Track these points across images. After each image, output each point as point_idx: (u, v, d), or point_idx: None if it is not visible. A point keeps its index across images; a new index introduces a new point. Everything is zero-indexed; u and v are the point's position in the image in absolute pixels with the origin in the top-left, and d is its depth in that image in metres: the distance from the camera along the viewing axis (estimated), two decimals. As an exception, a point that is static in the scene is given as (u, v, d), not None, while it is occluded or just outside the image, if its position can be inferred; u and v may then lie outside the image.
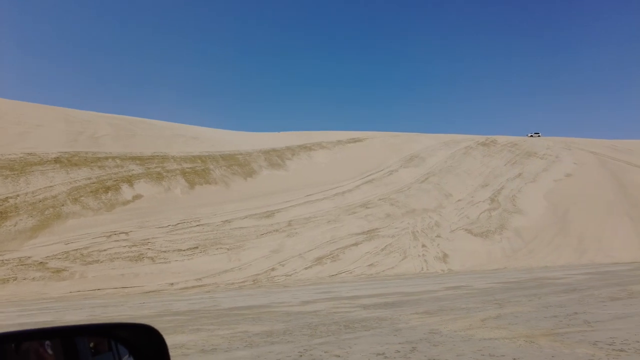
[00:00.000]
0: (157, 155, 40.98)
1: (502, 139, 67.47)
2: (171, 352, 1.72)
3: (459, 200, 44.45)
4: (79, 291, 22.50)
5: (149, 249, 27.73)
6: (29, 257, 24.67)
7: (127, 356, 1.64)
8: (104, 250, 26.65)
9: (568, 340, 8.11)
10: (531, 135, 78.95)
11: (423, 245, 34.21)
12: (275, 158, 49.04)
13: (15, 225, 27.18)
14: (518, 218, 41.35)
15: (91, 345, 1.63)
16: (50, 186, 31.87)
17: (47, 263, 24.43)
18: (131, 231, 29.29)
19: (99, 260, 25.66)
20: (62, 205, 30.54)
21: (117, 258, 26.14)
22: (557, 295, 15.05)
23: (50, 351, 1.77)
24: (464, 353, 7.37)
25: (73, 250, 26.06)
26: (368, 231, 35.46)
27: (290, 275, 27.47)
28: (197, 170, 40.99)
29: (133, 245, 27.71)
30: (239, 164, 44.96)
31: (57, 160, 34.96)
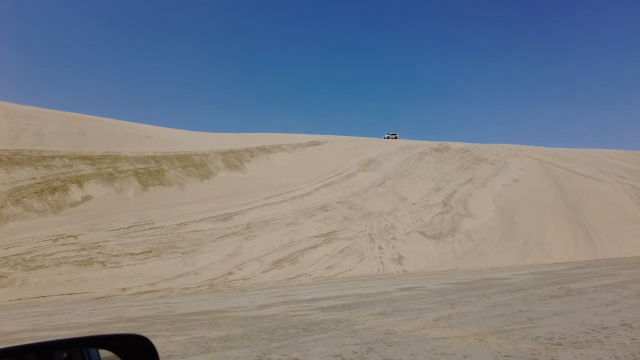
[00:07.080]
0: (109, 155, 39.29)
1: (454, 145, 70.19)
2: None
3: (413, 203, 45.80)
4: (19, 299, 21.17)
5: (99, 252, 26.53)
6: (-37, 263, 22.92)
7: None
8: (50, 254, 25.21)
9: (513, 337, 8.65)
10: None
11: (379, 248, 34.96)
12: (233, 159, 48.39)
13: (-53, 229, 25.17)
14: (469, 221, 43.18)
15: (64, 356, 1.63)
16: (-11, 186, 29.75)
17: (-16, 269, 22.79)
18: (80, 234, 27.90)
19: (43, 265, 24.24)
20: (2, 207, 28.60)
21: (64, 263, 24.81)
22: (503, 294, 15.91)
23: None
24: (417, 352, 7.69)
25: (14, 255, 24.46)
26: (326, 234, 35.77)
27: (248, 279, 27.21)
28: (150, 171, 39.69)
29: (82, 249, 26.42)
30: (194, 165, 43.96)
31: (-4, 158, 32.67)
